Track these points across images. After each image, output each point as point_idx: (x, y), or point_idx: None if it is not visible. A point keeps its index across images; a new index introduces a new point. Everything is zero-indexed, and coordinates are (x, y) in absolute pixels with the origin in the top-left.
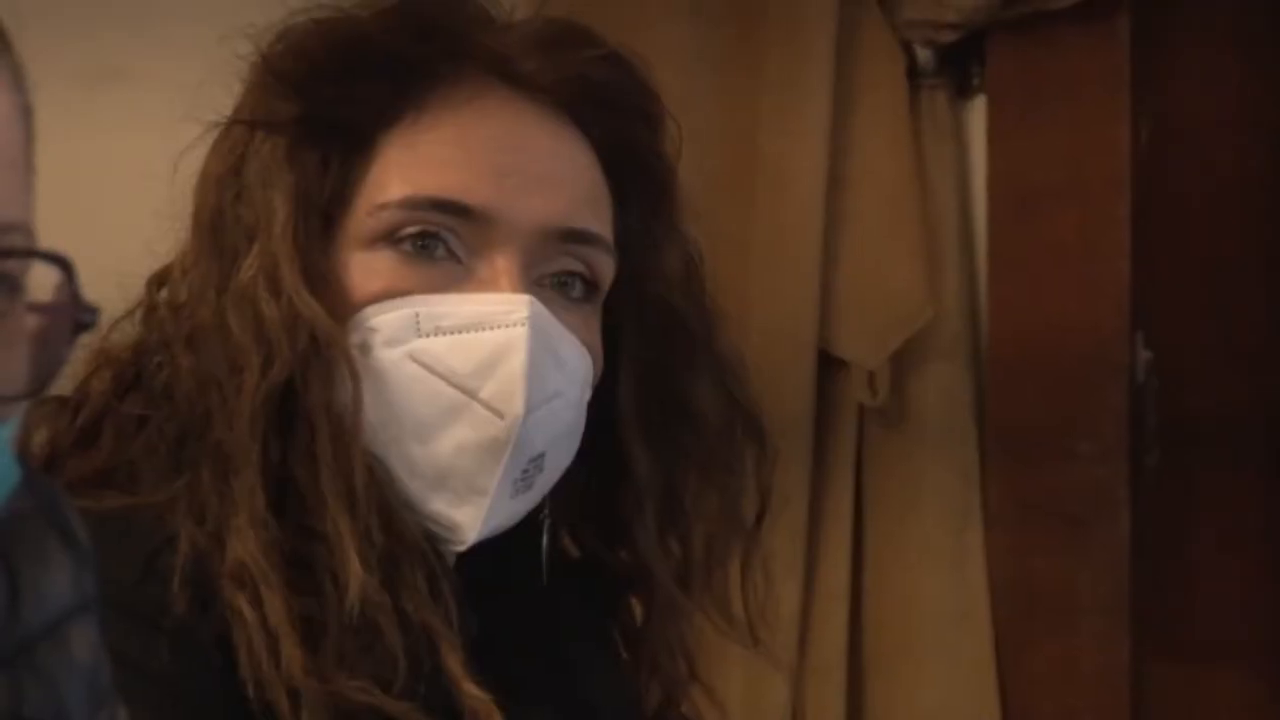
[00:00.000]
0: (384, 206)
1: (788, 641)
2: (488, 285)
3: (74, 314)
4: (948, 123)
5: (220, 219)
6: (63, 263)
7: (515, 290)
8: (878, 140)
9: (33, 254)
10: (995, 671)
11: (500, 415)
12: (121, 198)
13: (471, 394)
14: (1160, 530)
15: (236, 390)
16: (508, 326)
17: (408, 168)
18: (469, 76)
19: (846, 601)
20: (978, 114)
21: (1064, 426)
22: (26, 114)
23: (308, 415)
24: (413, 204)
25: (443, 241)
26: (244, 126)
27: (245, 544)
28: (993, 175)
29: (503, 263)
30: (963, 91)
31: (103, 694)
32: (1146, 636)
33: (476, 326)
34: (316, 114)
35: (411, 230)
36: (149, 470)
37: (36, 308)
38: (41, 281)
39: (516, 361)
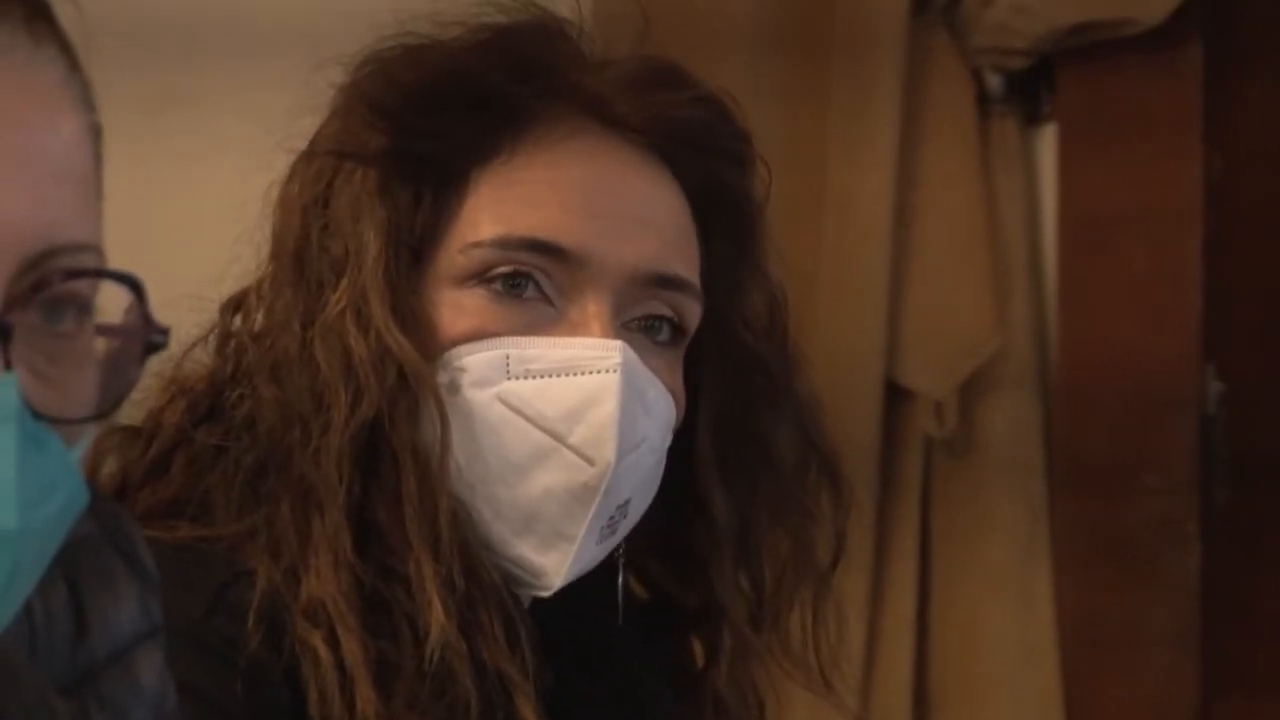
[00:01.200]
0: (477, 245)
1: (852, 676)
2: (578, 328)
3: (144, 335)
4: (1017, 150)
5: (306, 249)
6: (133, 283)
7: (606, 335)
8: (946, 169)
9: (103, 274)
10: (1063, 708)
11: (590, 462)
12: (194, 223)
13: (560, 439)
14: (1230, 566)
15: (323, 427)
16: (600, 372)
17: (501, 206)
18: (564, 115)
19: (912, 636)
20: (1048, 142)
21: (1133, 459)
22: (96, 134)
23: (394, 454)
24: (506, 244)
25: (534, 282)
26: (331, 155)
27: (325, 583)
28: (1063, 204)
29: (594, 306)
30: (1033, 119)
31: (169, 719)
32: (1215, 672)
33: (568, 371)
34: (409, 147)
35: (503, 270)
36: (223, 502)
37: (106, 329)
38: (110, 304)
39: (608, 408)
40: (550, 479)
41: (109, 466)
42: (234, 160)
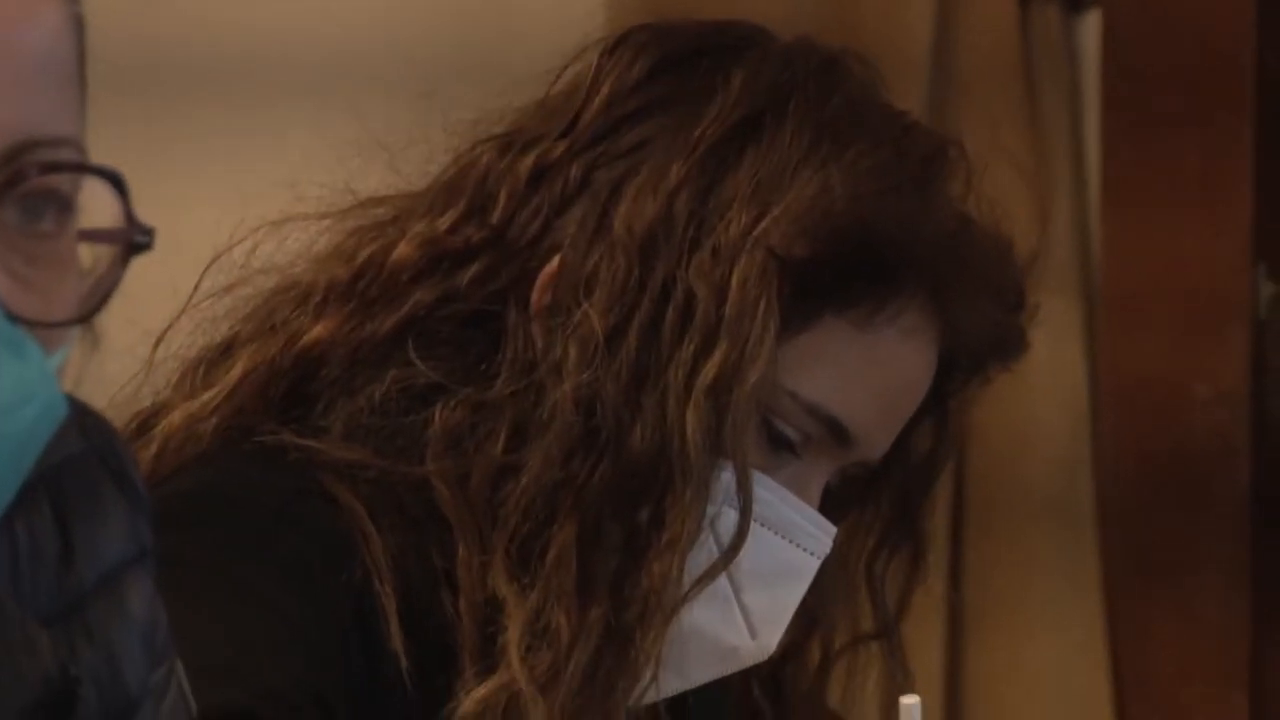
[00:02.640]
0: (792, 396)
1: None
2: (797, 485)
3: (128, 236)
4: (1059, 41)
5: (672, 274)
6: (115, 179)
7: (815, 506)
8: (983, 60)
9: (82, 168)
10: (1106, 628)
11: (754, 635)
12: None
13: (738, 591)
14: None
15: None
16: (808, 553)
17: (831, 371)
18: (918, 307)
19: (947, 566)
20: (1091, 31)
21: (1181, 368)
22: (79, 26)
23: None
24: (814, 412)
25: (797, 443)
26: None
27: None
28: (1107, 98)
29: (820, 480)
30: (1076, 6)
31: (160, 649)
32: (1268, 592)
33: (782, 532)
34: (822, 262)
35: (789, 432)
36: (375, 434)
37: (89, 234)
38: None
39: (797, 593)
40: (706, 620)
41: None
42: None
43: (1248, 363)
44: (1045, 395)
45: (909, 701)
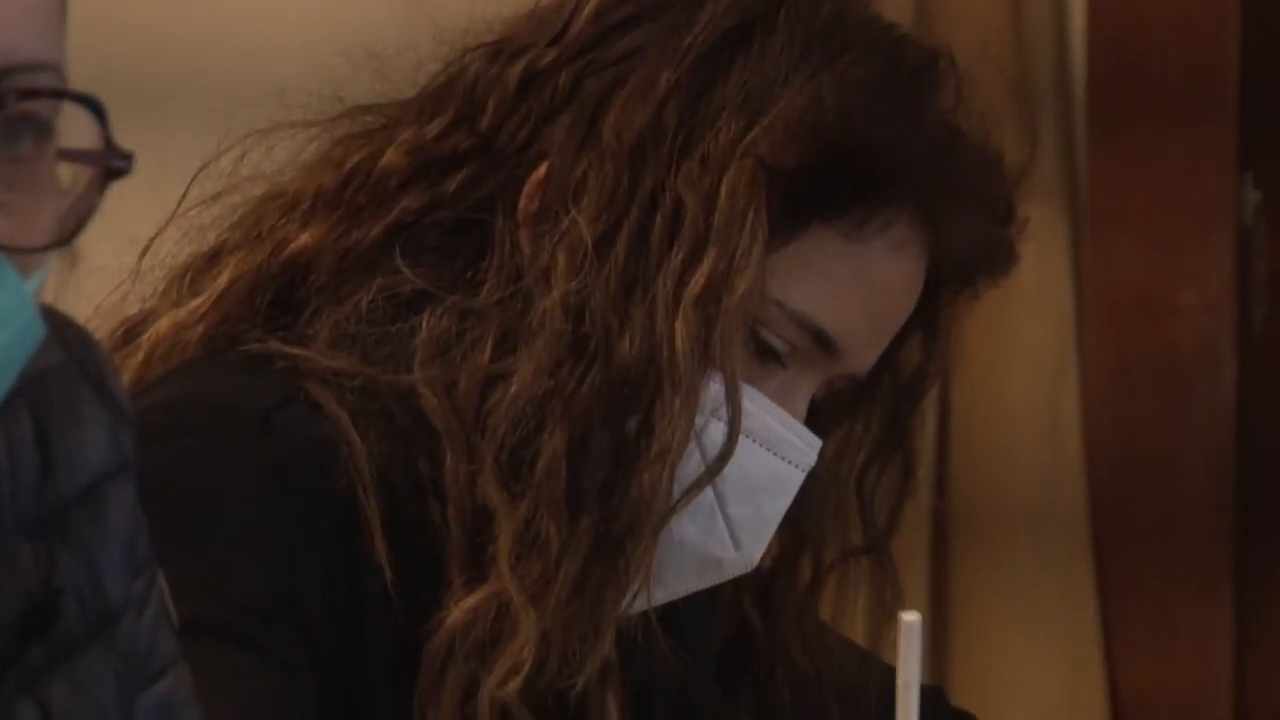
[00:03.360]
0: (778, 305)
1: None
2: (783, 398)
3: (107, 160)
4: None
5: (660, 183)
6: (94, 105)
7: (801, 419)
8: None
9: (61, 94)
10: (1090, 534)
11: (738, 546)
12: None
13: (722, 503)
14: (1269, 386)
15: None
16: (793, 466)
17: (818, 281)
18: (907, 219)
19: (934, 468)
20: None
21: (1166, 277)
22: None
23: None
24: (801, 323)
25: (784, 354)
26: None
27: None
28: (1093, 10)
29: (806, 392)
30: None
31: (141, 560)
32: (1253, 498)
33: (767, 444)
34: (811, 171)
35: (775, 342)
36: (354, 340)
37: (68, 154)
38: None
39: (782, 505)
40: (691, 533)
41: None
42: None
43: (1233, 271)
44: (1031, 308)
45: (910, 619)
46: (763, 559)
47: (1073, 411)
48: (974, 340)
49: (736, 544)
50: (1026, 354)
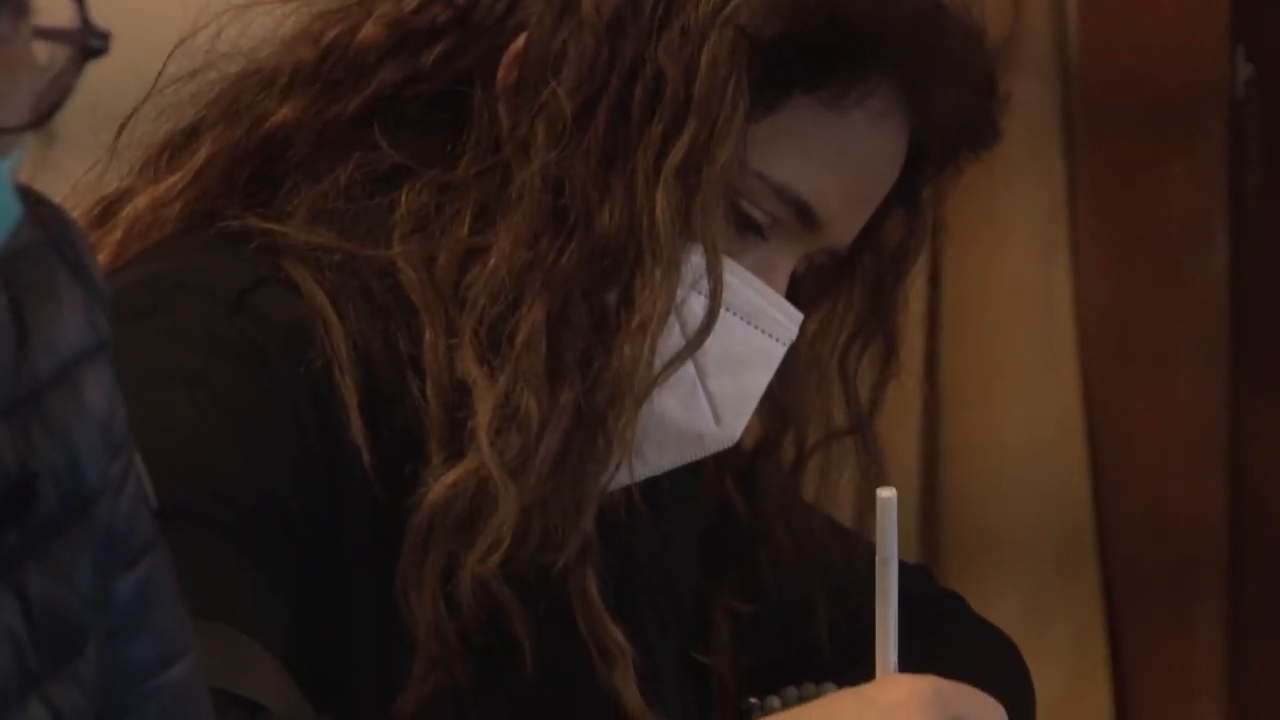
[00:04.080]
0: (759, 176)
1: None
2: (764, 271)
3: (83, 39)
4: None
5: (640, 54)
6: None
7: (782, 294)
8: None
9: None
10: (1084, 415)
11: (718, 421)
12: None
13: (703, 377)
14: (1262, 262)
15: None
16: (774, 339)
17: (798, 152)
18: (887, 90)
19: (923, 339)
20: None
21: (1158, 152)
22: None
23: (629, 305)
24: (781, 194)
25: (765, 226)
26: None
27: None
28: None
29: (786, 265)
30: None
31: (118, 441)
32: (1246, 376)
33: (748, 318)
34: (791, 41)
35: (756, 214)
36: (337, 218)
37: (45, 32)
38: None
39: (763, 379)
40: (671, 407)
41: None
42: None
43: (1225, 145)
44: (1022, 186)
45: (885, 495)
46: (745, 440)
47: (1065, 288)
48: (964, 219)
49: (717, 418)
50: (1017, 233)
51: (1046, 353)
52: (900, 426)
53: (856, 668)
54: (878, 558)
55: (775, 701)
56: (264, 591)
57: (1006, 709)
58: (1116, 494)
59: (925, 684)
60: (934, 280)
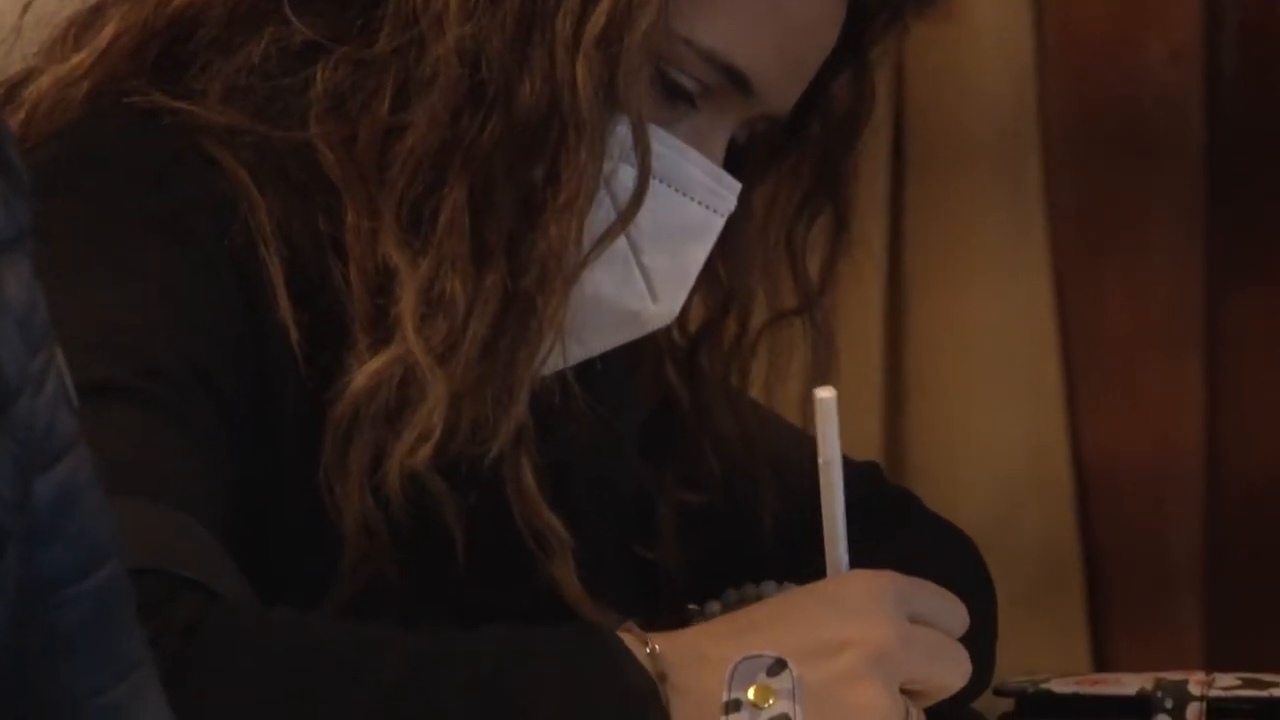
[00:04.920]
0: (686, 41)
1: None
2: (697, 141)
3: None
4: None
5: None
6: None
7: (718, 164)
8: None
9: None
10: (1055, 304)
11: (655, 299)
12: None
13: (637, 253)
14: (1239, 142)
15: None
16: (711, 210)
17: (726, 14)
18: None
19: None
20: None
21: (1132, 25)
22: None
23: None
24: (711, 60)
25: (695, 94)
26: None
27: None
28: None
29: (722, 134)
30: None
31: (38, 337)
32: (1223, 261)
33: (682, 188)
34: None
35: (685, 82)
36: (246, 94)
37: None
38: None
39: (701, 253)
40: (604, 285)
41: None
42: None
43: (1201, 18)
44: (989, 56)
45: (824, 395)
46: (687, 323)
47: (1034, 159)
48: (931, 83)
49: (654, 295)
50: (983, 104)
51: (1015, 252)
52: (860, 315)
53: (810, 564)
54: (820, 461)
55: (715, 606)
56: (202, 473)
57: (967, 607)
58: (1091, 390)
59: (883, 579)
60: (896, 149)
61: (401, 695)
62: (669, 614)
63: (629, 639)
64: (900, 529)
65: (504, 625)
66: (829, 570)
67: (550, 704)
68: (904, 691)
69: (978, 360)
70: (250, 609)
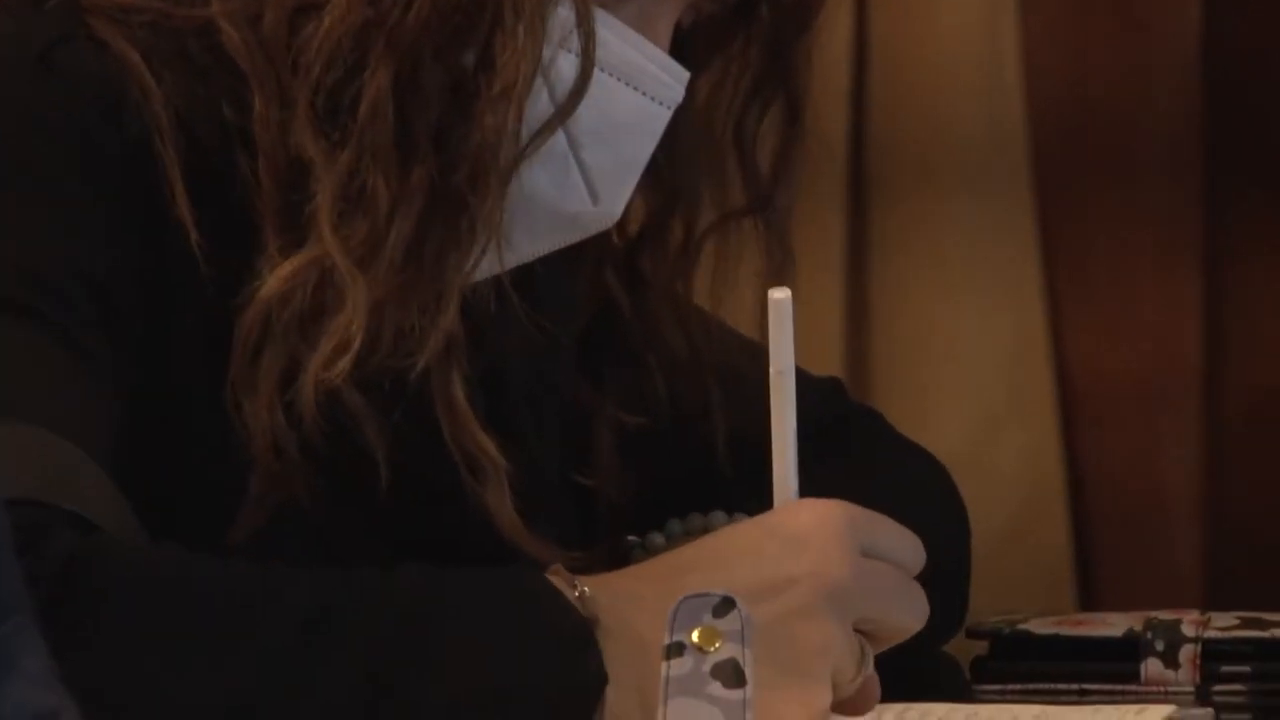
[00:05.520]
0: None
1: None
2: (642, 25)
3: None
4: None
5: None
6: None
7: (664, 50)
8: None
9: None
10: (1036, 206)
11: (595, 199)
12: None
13: (576, 148)
14: (1238, 23)
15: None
16: (656, 102)
17: None
18: None
19: (848, 115)
20: None
21: None
22: None
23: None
24: None
25: None
26: None
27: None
28: None
29: (668, 18)
30: None
31: None
32: (1223, 160)
33: (626, 78)
34: None
35: None
36: None
37: None
38: None
39: (645, 148)
40: (540, 184)
41: None
42: None
43: None
44: None
45: (779, 295)
46: (629, 225)
47: (1011, 38)
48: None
49: (594, 195)
50: None
51: (990, 127)
52: (822, 212)
53: (763, 492)
54: (771, 368)
55: (658, 538)
56: (88, 393)
57: (931, 538)
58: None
59: (834, 510)
60: (859, 31)
61: (296, 640)
62: (610, 547)
63: (556, 581)
64: (863, 453)
65: (419, 566)
66: (775, 496)
67: (468, 655)
68: (857, 632)
69: (951, 266)
70: (131, 545)
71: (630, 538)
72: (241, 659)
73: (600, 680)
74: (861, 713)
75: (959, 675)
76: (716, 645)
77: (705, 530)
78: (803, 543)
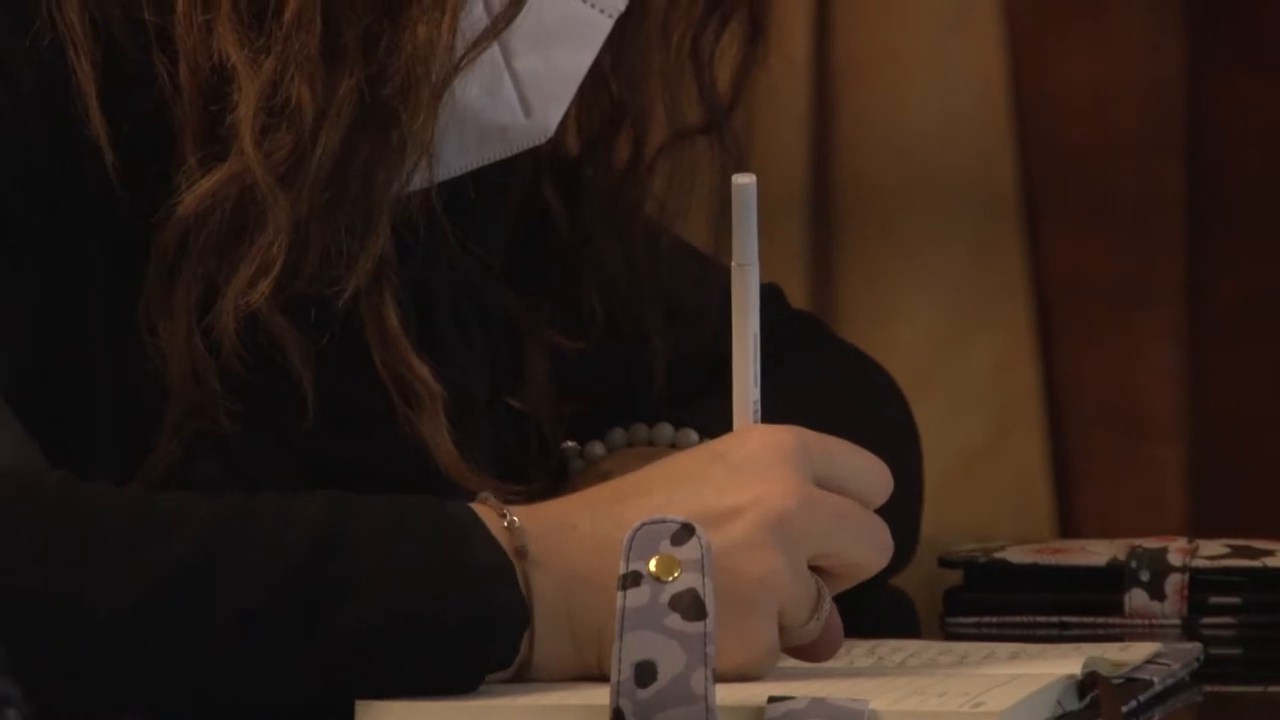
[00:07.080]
0: None
1: None
2: None
3: None
4: None
5: None
6: None
7: None
8: None
9: None
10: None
11: (528, 112)
12: None
13: (509, 56)
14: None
15: None
16: (597, 10)
17: None
18: None
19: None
20: None
21: None
22: None
23: None
24: None
25: None
26: None
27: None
28: None
29: None
30: None
31: None
32: (1203, 43)
33: None
34: None
35: None
36: None
37: None
38: None
39: (584, 59)
40: (473, 95)
41: None
42: None
43: None
44: None
45: (743, 181)
46: (566, 140)
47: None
48: None
49: (527, 108)
50: None
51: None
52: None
53: (702, 420)
54: (734, 263)
55: (598, 447)
56: None
57: (879, 451)
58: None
59: (785, 436)
60: None
61: (191, 570)
62: (542, 468)
63: (482, 510)
64: (802, 361)
65: (335, 492)
66: (735, 416)
67: (379, 582)
68: (813, 569)
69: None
70: (21, 470)
71: (568, 444)
72: (138, 576)
73: (521, 613)
74: (825, 658)
75: (912, 612)
76: (675, 575)
77: (649, 441)
78: (749, 470)
